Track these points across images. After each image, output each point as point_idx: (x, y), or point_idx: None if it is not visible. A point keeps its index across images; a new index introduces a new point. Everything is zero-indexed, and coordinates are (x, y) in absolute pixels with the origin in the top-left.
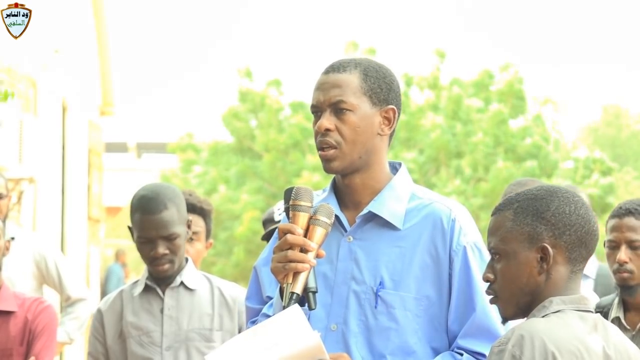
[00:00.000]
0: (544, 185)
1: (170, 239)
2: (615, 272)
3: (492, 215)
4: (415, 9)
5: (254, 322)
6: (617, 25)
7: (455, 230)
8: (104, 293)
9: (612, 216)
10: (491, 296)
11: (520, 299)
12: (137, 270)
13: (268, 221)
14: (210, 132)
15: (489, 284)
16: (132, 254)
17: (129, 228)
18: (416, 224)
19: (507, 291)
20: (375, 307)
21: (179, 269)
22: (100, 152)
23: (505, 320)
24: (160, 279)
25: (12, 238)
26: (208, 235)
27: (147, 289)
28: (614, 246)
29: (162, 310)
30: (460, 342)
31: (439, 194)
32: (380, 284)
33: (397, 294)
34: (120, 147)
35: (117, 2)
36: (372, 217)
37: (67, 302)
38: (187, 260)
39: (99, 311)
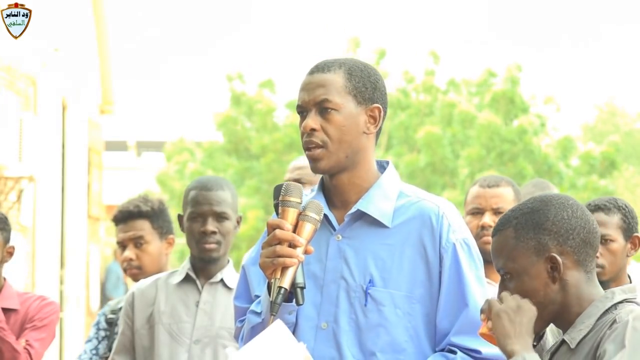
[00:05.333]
0: (537, 197)
1: (221, 218)
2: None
3: (492, 236)
4: (411, 9)
5: (242, 322)
6: (614, 23)
7: (444, 227)
8: (103, 292)
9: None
10: None
11: (542, 311)
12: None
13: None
14: (207, 133)
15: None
16: None
17: (179, 217)
18: (405, 221)
19: None
20: (365, 304)
21: (221, 266)
22: (100, 151)
23: (535, 335)
24: (203, 264)
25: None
26: (165, 233)
27: (186, 279)
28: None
29: (197, 304)
30: (453, 339)
31: (427, 192)
32: (370, 282)
33: (387, 292)
34: (120, 145)
35: (117, 1)
36: (361, 216)
37: None
38: (228, 261)
39: (132, 294)
